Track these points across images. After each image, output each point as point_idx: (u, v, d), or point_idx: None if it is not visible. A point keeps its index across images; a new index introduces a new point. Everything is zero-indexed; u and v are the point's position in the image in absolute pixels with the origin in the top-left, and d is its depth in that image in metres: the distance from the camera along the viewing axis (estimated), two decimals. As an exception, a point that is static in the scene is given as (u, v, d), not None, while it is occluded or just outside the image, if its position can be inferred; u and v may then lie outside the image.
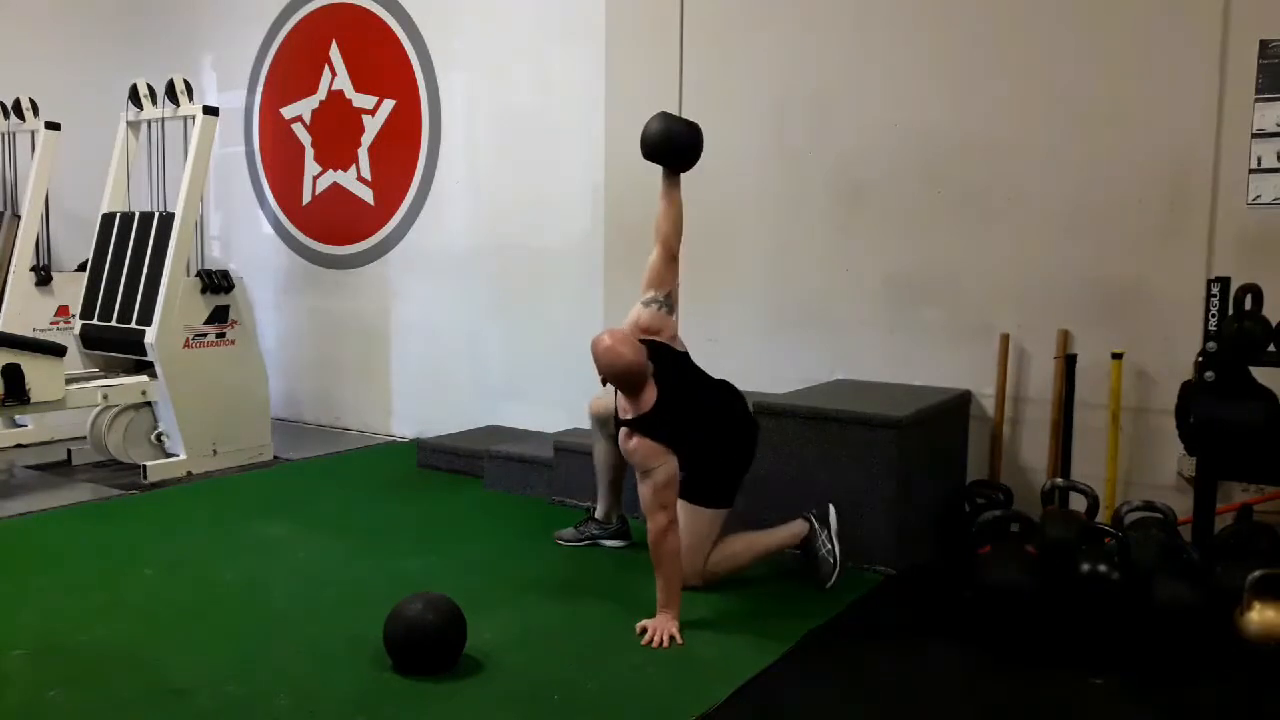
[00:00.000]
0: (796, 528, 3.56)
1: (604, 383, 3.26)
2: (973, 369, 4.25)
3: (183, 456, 5.19)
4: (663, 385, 3.23)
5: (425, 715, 2.58)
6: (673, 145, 3.43)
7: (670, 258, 3.47)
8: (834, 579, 3.48)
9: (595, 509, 3.99)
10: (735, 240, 4.85)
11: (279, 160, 6.65)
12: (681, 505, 3.32)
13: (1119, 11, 3.91)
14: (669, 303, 3.45)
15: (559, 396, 5.26)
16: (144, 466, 5.05)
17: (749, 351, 4.78)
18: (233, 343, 5.38)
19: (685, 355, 3.45)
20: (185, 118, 5.41)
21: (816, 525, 3.54)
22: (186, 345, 5.18)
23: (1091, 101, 3.97)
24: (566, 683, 2.76)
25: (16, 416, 5.46)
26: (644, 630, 3.08)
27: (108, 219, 5.53)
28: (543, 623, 3.20)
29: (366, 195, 6.23)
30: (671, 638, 3.04)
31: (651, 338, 3.33)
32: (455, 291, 5.90)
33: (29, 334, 5.20)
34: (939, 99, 4.29)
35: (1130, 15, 3.89)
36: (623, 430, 3.23)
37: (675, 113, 3.53)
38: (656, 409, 3.20)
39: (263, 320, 6.53)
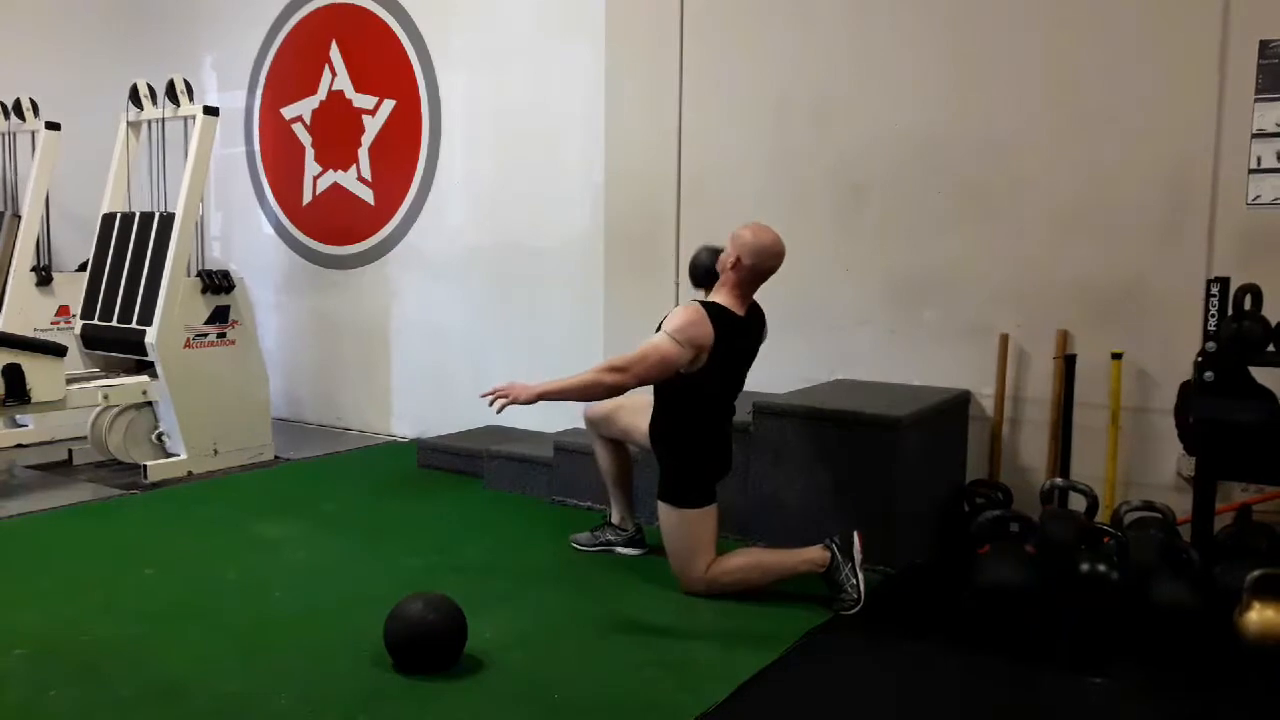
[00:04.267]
0: (814, 554, 3.35)
1: (734, 263, 3.34)
2: (972, 369, 4.25)
3: (183, 456, 5.19)
4: (753, 318, 3.45)
5: (425, 715, 2.58)
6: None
7: None
8: (855, 611, 3.27)
9: (610, 514, 3.94)
10: (735, 240, 4.84)
11: (279, 160, 6.65)
12: (668, 511, 3.37)
13: (1119, 11, 3.92)
14: None
15: (559, 396, 5.26)
16: (145, 466, 5.05)
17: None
18: (233, 343, 5.39)
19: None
20: (185, 118, 5.41)
21: (839, 555, 3.33)
22: (187, 345, 5.19)
23: (1091, 101, 3.98)
24: (566, 683, 2.77)
25: (17, 416, 5.46)
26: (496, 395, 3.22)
27: (108, 219, 5.53)
28: (543, 623, 3.20)
29: (367, 195, 6.23)
30: (516, 400, 3.19)
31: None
32: (455, 291, 5.90)
33: (30, 334, 5.20)
34: (939, 99, 4.29)
35: (1130, 15, 3.89)
36: (690, 302, 3.34)
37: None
38: (746, 321, 3.38)
39: (263, 320, 6.54)
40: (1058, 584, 3.16)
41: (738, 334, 3.36)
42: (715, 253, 3.52)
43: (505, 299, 5.69)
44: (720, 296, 3.37)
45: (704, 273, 3.60)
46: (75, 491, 4.84)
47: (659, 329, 3.33)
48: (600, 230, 5.24)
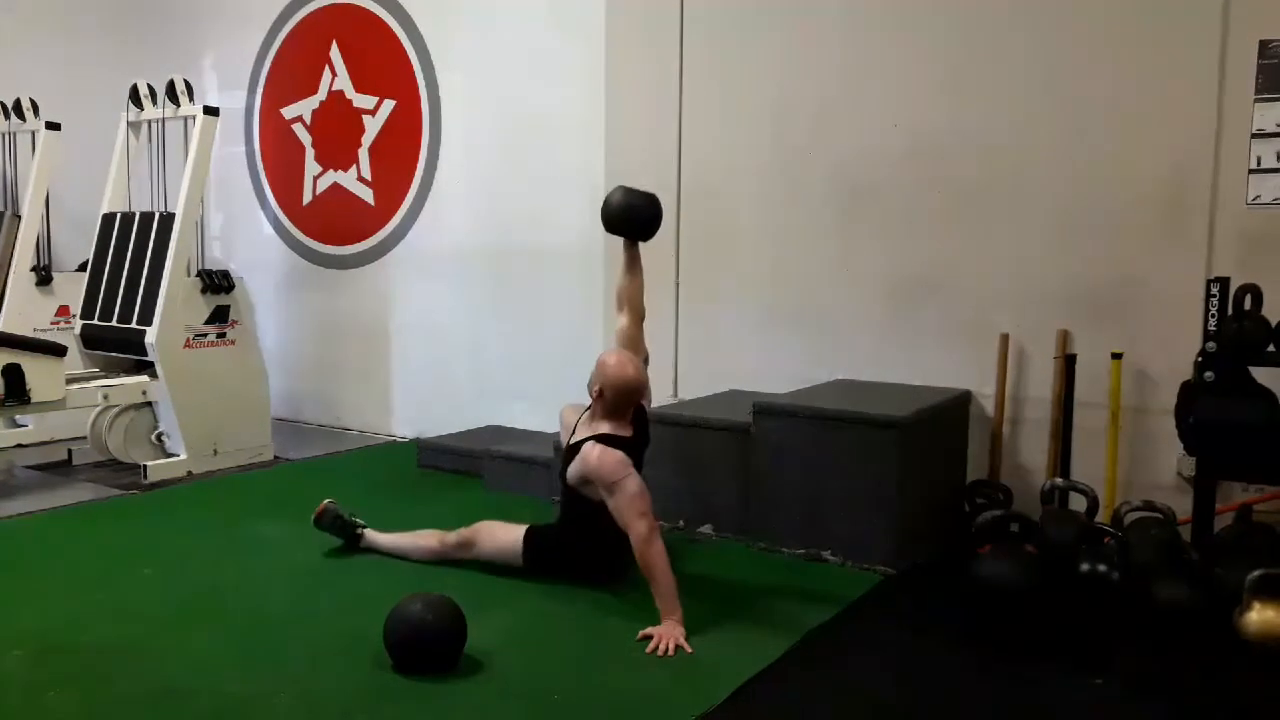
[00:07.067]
0: None
1: (599, 394, 3.35)
2: (973, 369, 4.25)
3: (183, 456, 5.19)
4: (637, 425, 3.41)
5: (425, 715, 2.58)
6: (633, 218, 3.61)
7: (640, 322, 3.63)
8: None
9: None
10: (735, 240, 4.85)
11: (279, 160, 6.65)
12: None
13: (1118, 12, 3.92)
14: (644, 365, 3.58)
15: (559, 396, 5.24)
16: (144, 466, 5.05)
17: (749, 351, 4.78)
18: (233, 343, 5.39)
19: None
20: (185, 118, 5.41)
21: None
22: (187, 345, 5.19)
23: (1091, 101, 3.98)
24: (566, 683, 2.76)
25: (17, 416, 5.46)
26: (648, 638, 2.99)
27: (108, 219, 5.53)
28: (543, 623, 3.20)
29: (367, 195, 6.23)
30: (679, 647, 2.96)
31: None
32: (455, 291, 5.90)
33: (29, 334, 5.20)
34: (939, 99, 4.29)
35: (1130, 15, 3.89)
36: (590, 443, 3.30)
37: (632, 188, 3.64)
38: (634, 440, 3.38)
39: (263, 320, 6.54)
40: (1058, 584, 3.15)
41: (641, 447, 3.44)
42: (628, 193, 3.57)
43: (505, 299, 5.69)
44: (605, 426, 3.35)
45: (616, 215, 3.58)
46: (75, 491, 4.83)
47: (574, 444, 3.38)
48: (600, 231, 5.21)
